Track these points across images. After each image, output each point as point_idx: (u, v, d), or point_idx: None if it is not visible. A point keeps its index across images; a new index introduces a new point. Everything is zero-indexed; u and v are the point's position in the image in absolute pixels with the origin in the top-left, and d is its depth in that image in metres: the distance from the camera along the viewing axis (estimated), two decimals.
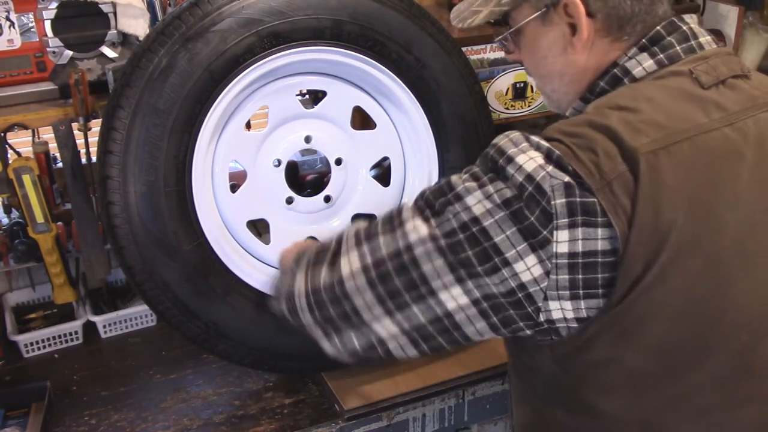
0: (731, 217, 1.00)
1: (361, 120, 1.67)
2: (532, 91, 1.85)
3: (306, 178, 1.83)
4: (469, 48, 1.73)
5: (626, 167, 0.95)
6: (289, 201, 1.56)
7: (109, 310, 1.86)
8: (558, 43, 1.12)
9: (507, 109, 1.85)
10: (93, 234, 1.69)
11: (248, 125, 1.58)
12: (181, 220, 1.43)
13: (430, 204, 1.05)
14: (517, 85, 1.84)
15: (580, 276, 0.97)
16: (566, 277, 0.97)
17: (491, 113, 1.70)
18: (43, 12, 1.56)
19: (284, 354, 1.57)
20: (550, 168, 0.96)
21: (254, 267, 1.55)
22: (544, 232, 0.96)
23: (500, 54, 1.79)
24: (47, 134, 1.65)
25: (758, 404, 1.08)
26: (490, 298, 1.01)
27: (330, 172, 1.61)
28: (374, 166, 1.65)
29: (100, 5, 1.59)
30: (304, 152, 1.90)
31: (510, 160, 0.99)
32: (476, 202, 1.00)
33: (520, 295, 0.99)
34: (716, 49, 1.10)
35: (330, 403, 1.60)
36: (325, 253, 1.14)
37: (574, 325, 1.01)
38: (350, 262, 1.08)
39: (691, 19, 1.11)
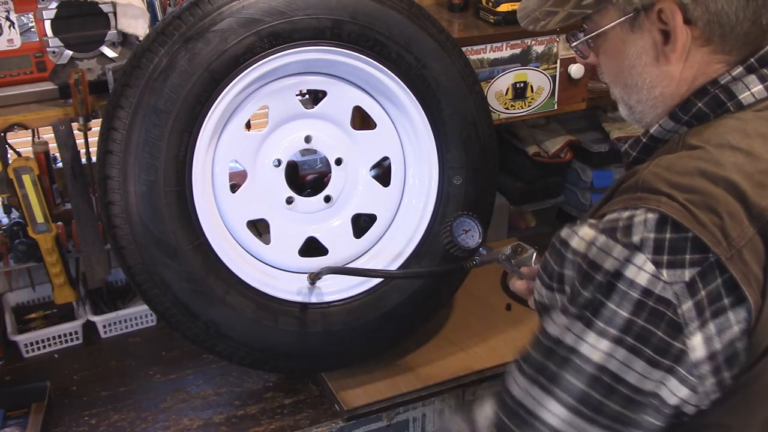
0: None
1: (361, 120, 1.67)
2: (532, 91, 1.85)
3: (306, 178, 1.83)
4: (469, 48, 1.73)
5: (754, 230, 0.86)
6: (289, 201, 1.56)
7: (109, 310, 1.86)
8: (648, 52, 1.00)
9: (507, 109, 1.84)
10: (93, 234, 1.69)
11: (248, 125, 1.58)
12: (181, 220, 1.43)
13: (548, 373, 0.92)
14: (517, 85, 1.83)
15: (728, 374, 0.88)
16: (713, 380, 0.88)
17: (491, 113, 1.70)
18: (43, 12, 1.56)
19: (284, 354, 1.57)
20: (665, 273, 0.85)
21: (254, 267, 1.55)
22: (677, 345, 0.85)
23: (500, 54, 1.79)
24: (47, 134, 1.65)
25: None
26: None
27: (330, 172, 1.61)
28: (374, 166, 1.65)
29: (100, 5, 1.59)
30: (304, 152, 1.90)
31: (618, 275, 0.87)
32: (592, 349, 0.88)
33: (672, 415, 0.91)
34: None
35: (330, 403, 1.60)
36: None
37: None
38: None
39: None
